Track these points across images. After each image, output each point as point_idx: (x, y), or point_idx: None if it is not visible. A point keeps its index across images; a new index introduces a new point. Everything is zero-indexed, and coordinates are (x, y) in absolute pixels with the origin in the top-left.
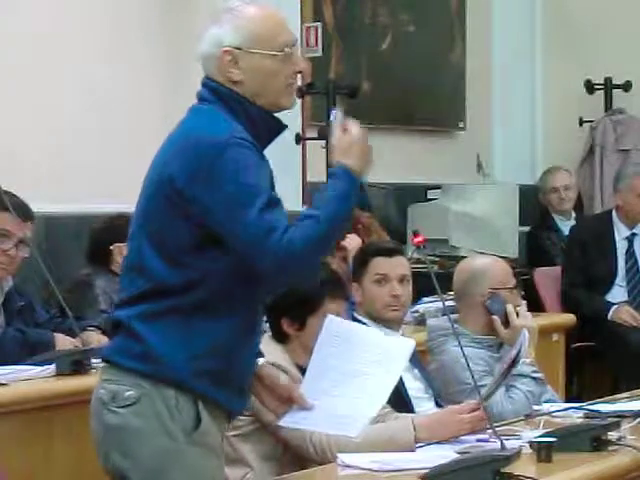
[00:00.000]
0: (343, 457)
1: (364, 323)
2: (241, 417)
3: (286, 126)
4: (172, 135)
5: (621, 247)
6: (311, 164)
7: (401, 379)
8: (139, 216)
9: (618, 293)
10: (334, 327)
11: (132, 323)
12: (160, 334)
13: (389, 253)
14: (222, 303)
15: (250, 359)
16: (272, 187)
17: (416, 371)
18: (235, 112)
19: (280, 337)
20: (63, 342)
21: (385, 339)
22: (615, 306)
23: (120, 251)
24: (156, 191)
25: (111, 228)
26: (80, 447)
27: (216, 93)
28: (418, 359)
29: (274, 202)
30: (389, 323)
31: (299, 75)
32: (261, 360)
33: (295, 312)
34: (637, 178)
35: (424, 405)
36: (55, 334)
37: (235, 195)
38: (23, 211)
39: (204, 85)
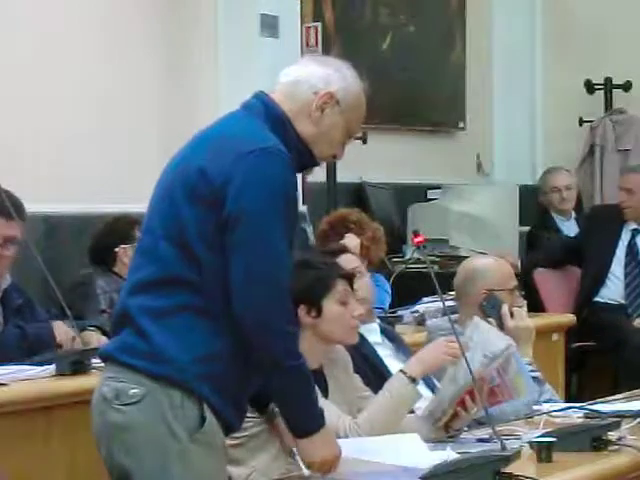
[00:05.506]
0: None
1: None
2: (248, 418)
3: (318, 164)
4: (205, 133)
5: (625, 237)
6: None
7: (383, 363)
8: (156, 203)
9: (616, 289)
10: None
11: (140, 320)
12: (167, 334)
13: (334, 254)
14: (230, 306)
15: (251, 374)
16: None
17: (400, 354)
18: (276, 134)
19: None
20: (60, 328)
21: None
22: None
23: (125, 253)
24: (180, 180)
25: (115, 229)
26: (79, 447)
27: (267, 110)
28: (402, 340)
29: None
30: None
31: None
32: None
33: (310, 296)
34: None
35: None
36: (52, 321)
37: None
38: (14, 209)
39: (258, 98)
